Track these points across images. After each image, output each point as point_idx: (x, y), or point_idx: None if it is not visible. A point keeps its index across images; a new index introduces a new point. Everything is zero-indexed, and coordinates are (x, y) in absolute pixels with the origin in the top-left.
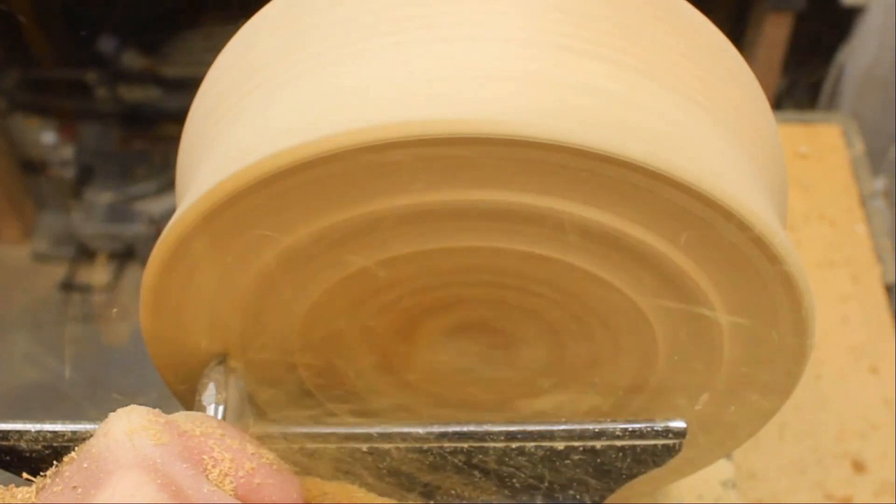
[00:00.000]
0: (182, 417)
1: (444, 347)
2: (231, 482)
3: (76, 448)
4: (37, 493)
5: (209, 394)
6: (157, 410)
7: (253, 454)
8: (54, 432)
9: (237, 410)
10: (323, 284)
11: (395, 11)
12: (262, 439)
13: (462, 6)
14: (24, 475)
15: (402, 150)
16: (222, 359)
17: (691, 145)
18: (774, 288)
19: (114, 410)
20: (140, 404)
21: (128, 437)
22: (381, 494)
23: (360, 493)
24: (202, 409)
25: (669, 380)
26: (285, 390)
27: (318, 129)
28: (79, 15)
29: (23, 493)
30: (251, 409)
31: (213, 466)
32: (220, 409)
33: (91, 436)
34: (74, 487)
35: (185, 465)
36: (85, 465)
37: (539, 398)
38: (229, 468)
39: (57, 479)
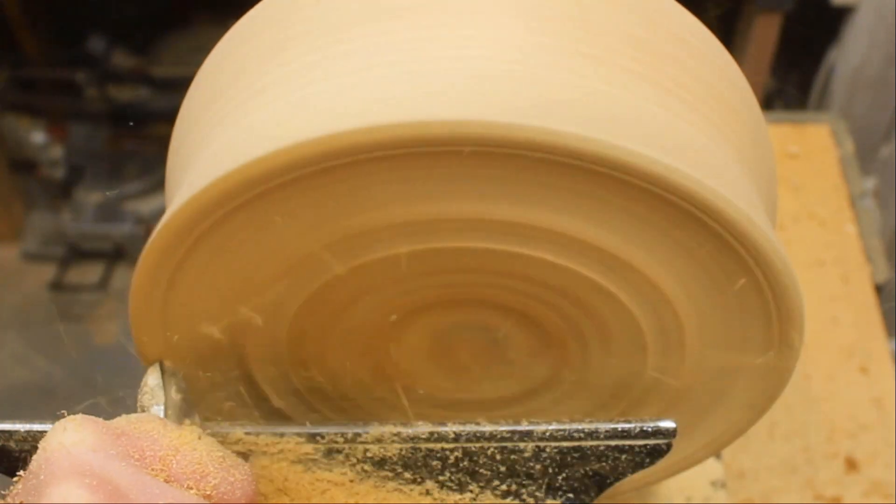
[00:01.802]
0: (122, 420)
1: (433, 348)
2: (176, 475)
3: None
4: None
5: (147, 396)
6: (94, 417)
7: (194, 446)
8: (43, 432)
9: (179, 410)
10: (310, 287)
11: (380, 11)
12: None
13: (439, 7)
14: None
15: (387, 151)
16: (159, 362)
17: (680, 144)
18: (764, 288)
19: (103, 411)
20: (129, 403)
21: (63, 447)
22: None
23: (324, 477)
24: (144, 409)
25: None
26: (275, 392)
27: (302, 133)
28: (68, 15)
29: None
30: (194, 409)
31: (152, 461)
32: (160, 409)
33: None
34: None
35: (123, 464)
36: (29, 479)
37: (528, 398)
38: (168, 461)
39: (7, 498)
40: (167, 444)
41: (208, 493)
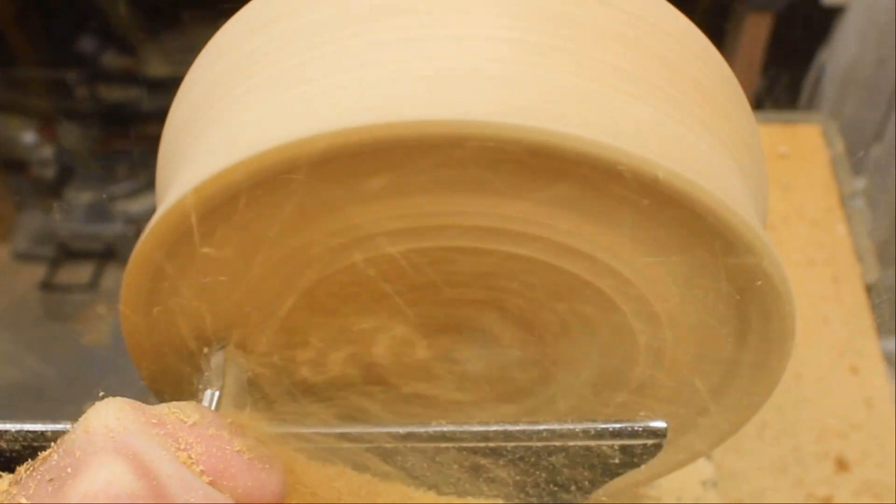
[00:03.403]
0: (162, 407)
1: (423, 347)
2: (202, 468)
3: (55, 444)
4: (9, 484)
5: (205, 379)
6: (134, 401)
7: (230, 442)
8: (34, 432)
9: (235, 398)
10: (303, 286)
11: (373, 12)
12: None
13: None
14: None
15: (379, 150)
16: (223, 346)
17: (669, 143)
18: (754, 287)
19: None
20: None
21: (105, 427)
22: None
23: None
24: (200, 393)
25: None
26: (269, 388)
27: (293, 133)
28: (58, 14)
29: None
30: (250, 399)
31: (186, 454)
32: (216, 395)
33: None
34: (51, 480)
35: (162, 452)
36: (62, 458)
37: (520, 398)
38: (203, 455)
39: (33, 474)
40: (203, 436)
41: (238, 491)
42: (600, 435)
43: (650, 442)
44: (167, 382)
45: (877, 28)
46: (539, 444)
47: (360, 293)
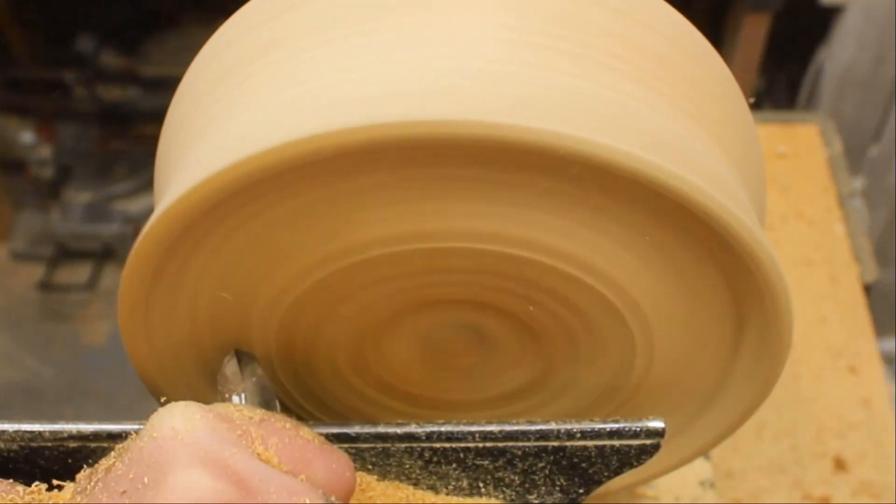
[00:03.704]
0: (223, 407)
1: (418, 347)
2: (279, 459)
3: (116, 452)
4: (73, 494)
5: (228, 386)
6: (198, 403)
7: (297, 433)
8: (32, 432)
9: (259, 399)
10: (302, 286)
11: (366, 12)
12: None
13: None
14: None
15: (376, 151)
16: (234, 351)
17: (664, 142)
18: (752, 288)
19: (92, 411)
20: (118, 403)
21: (173, 431)
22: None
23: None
24: (226, 400)
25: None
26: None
27: (289, 134)
28: (57, 14)
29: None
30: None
31: (262, 447)
32: (243, 397)
33: (83, 436)
34: (124, 492)
35: (235, 450)
36: (130, 468)
37: (517, 399)
38: (277, 447)
39: (100, 485)
40: (274, 429)
41: (318, 480)
42: (598, 435)
43: (649, 442)
44: (167, 383)
45: (875, 28)
46: (536, 444)
47: (358, 293)
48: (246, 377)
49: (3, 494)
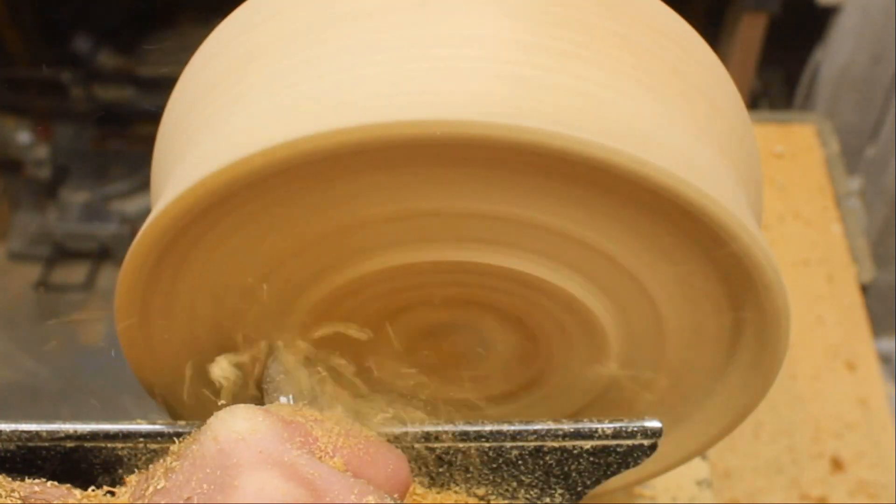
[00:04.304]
0: (281, 408)
1: (418, 346)
2: (341, 459)
3: (172, 456)
4: (129, 497)
5: (275, 387)
6: (257, 406)
7: (354, 433)
8: (29, 432)
9: (308, 396)
10: (298, 286)
11: (360, 12)
12: None
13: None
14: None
15: (371, 150)
16: (275, 352)
17: (662, 141)
18: (749, 287)
19: (89, 411)
20: (116, 403)
21: (240, 436)
22: None
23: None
24: (273, 401)
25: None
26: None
27: (284, 134)
28: (54, 14)
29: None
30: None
31: (322, 448)
32: (290, 398)
33: (78, 435)
34: (188, 498)
35: (299, 453)
36: (198, 472)
37: (512, 399)
38: (338, 448)
39: (162, 490)
40: (330, 430)
41: (380, 479)
42: (596, 435)
43: (646, 442)
44: (165, 385)
45: (872, 28)
46: (534, 444)
47: (355, 293)
48: (292, 377)
49: (61, 499)
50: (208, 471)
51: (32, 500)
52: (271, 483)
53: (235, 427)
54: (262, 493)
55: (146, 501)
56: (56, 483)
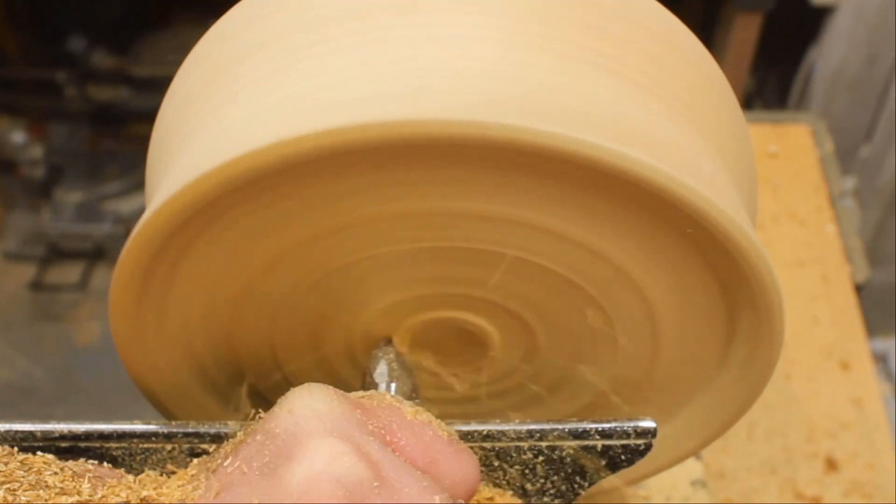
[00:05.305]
0: (359, 394)
1: (411, 344)
2: (410, 454)
3: (244, 431)
4: (198, 469)
5: (380, 372)
6: (335, 388)
7: (430, 428)
8: (23, 432)
9: (407, 389)
10: (292, 285)
11: (355, 12)
12: None
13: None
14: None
15: (362, 151)
16: (390, 339)
17: (655, 140)
18: (744, 287)
19: (83, 411)
20: (110, 403)
21: (313, 410)
22: None
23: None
24: (374, 386)
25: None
26: (266, 390)
27: (278, 134)
28: (48, 14)
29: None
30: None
31: (393, 439)
32: (393, 386)
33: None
34: (263, 464)
35: (370, 438)
36: (269, 442)
37: (507, 397)
38: (408, 441)
39: (231, 460)
40: (407, 423)
41: (447, 481)
42: (590, 435)
43: (640, 442)
44: (162, 386)
45: (866, 28)
46: (528, 443)
47: (352, 293)
48: (398, 367)
49: (115, 482)
50: (279, 442)
51: (87, 477)
52: (341, 455)
53: (313, 404)
54: (330, 463)
55: (217, 473)
56: (110, 466)
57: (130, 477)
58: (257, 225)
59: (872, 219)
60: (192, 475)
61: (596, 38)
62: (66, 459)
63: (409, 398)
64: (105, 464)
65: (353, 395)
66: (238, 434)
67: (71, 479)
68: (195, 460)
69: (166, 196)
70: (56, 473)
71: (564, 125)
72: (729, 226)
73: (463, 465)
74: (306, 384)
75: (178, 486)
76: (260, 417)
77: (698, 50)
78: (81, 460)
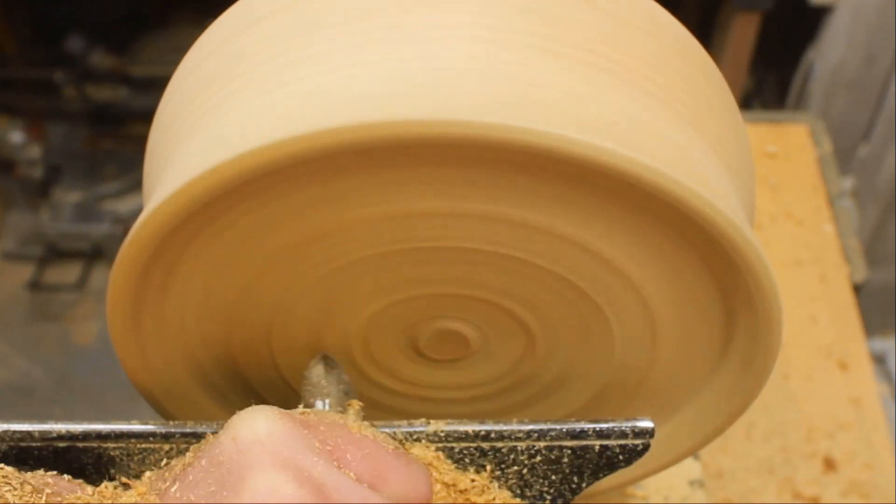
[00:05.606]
0: (302, 413)
1: (408, 344)
2: (356, 468)
3: (192, 453)
4: (148, 489)
5: (311, 389)
6: (279, 409)
7: (375, 443)
8: (21, 432)
9: (343, 406)
10: (289, 284)
11: (352, 12)
12: None
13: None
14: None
15: (359, 150)
16: (322, 355)
17: (655, 142)
18: (741, 287)
19: (81, 411)
20: (108, 403)
21: (257, 437)
22: None
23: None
24: (309, 405)
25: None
26: (263, 390)
27: (274, 134)
28: (47, 14)
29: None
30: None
31: (339, 455)
32: (326, 403)
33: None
34: (208, 493)
35: (316, 459)
36: (213, 470)
37: (504, 396)
38: (358, 458)
39: (177, 485)
40: (354, 439)
41: (395, 493)
42: (588, 435)
43: (638, 442)
44: (160, 387)
45: (865, 28)
46: (526, 443)
47: (349, 294)
48: (331, 382)
49: (71, 493)
50: (224, 470)
51: (45, 493)
52: (281, 485)
53: (253, 427)
54: (270, 494)
55: (162, 497)
56: (70, 477)
57: (90, 489)
58: (255, 225)
59: (871, 219)
60: (143, 493)
61: (593, 38)
62: (45, 468)
63: (344, 409)
64: (66, 476)
65: (295, 411)
66: (188, 455)
67: (30, 494)
68: (148, 473)
69: (162, 198)
70: (14, 489)
71: (561, 126)
72: (727, 226)
73: (412, 478)
74: (251, 407)
75: None
76: (216, 432)
77: (696, 50)
78: (41, 472)
